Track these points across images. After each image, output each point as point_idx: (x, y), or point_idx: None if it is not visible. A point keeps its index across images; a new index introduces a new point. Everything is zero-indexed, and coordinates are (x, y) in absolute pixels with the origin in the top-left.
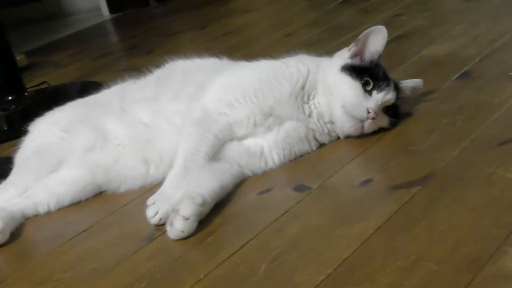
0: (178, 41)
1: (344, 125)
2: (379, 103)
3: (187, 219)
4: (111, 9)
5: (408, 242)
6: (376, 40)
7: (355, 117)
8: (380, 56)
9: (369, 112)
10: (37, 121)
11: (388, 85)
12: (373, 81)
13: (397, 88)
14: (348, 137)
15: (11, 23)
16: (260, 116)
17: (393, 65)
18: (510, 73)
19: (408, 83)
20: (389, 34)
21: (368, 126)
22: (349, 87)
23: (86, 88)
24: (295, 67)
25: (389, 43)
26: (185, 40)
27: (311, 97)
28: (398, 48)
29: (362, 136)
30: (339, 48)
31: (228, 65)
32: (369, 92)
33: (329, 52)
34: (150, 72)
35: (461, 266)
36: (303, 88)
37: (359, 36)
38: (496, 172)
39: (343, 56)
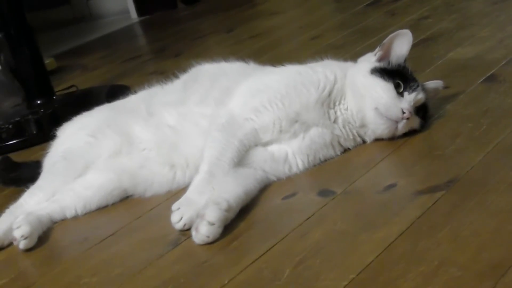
0: (205, 44)
1: (378, 127)
2: (412, 103)
3: (213, 224)
4: (139, 11)
5: (431, 247)
6: (401, 43)
7: (390, 118)
8: (406, 59)
9: (404, 113)
10: (64, 125)
11: (418, 86)
12: (403, 83)
13: (423, 89)
14: (375, 140)
15: (40, 27)
16: (286, 122)
17: (419, 68)
18: None
19: (430, 84)
20: (416, 36)
21: (402, 127)
22: (382, 89)
23: (114, 92)
24: (322, 73)
25: (415, 46)
26: (212, 43)
27: (337, 103)
28: (425, 51)
29: (389, 139)
30: (364, 50)
31: (255, 70)
32: (401, 94)
33: (355, 54)
34: (177, 76)
35: (483, 272)
36: (329, 94)
37: (384, 40)
38: None
39: (370, 60)
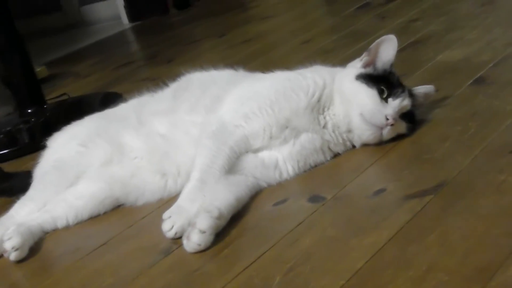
0: (198, 50)
1: (363, 133)
2: (397, 109)
3: (204, 232)
4: (131, 17)
5: (420, 252)
6: (387, 49)
7: (374, 124)
8: (392, 64)
9: (387, 119)
10: (55, 135)
11: (403, 92)
12: (388, 89)
13: (411, 95)
14: (364, 145)
15: (31, 34)
16: (276, 128)
17: (408, 71)
18: None
19: (421, 90)
20: (405, 40)
21: (387, 133)
22: (366, 95)
23: (106, 99)
24: (311, 78)
25: (405, 49)
26: (204, 48)
27: (326, 108)
28: (414, 54)
29: (378, 144)
30: (355, 54)
31: (244, 77)
32: (385, 100)
33: (345, 59)
34: (167, 85)
35: (470, 276)
36: (319, 100)
37: (371, 46)
38: (508, 180)
39: (356, 66)
